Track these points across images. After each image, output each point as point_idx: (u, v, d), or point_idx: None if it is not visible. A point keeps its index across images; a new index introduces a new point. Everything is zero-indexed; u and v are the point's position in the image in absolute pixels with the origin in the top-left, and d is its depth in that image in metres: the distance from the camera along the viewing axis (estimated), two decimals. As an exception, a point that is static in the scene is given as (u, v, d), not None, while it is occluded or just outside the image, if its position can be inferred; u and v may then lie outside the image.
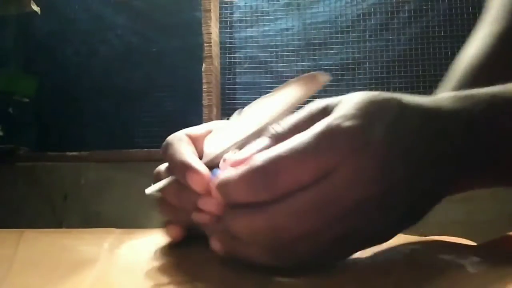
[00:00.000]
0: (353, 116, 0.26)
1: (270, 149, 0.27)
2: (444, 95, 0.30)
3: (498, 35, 0.47)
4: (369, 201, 0.25)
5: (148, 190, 0.32)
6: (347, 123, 0.25)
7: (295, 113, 0.29)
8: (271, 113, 0.33)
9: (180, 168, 0.31)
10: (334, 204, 0.25)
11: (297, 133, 0.27)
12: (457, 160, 0.28)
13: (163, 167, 0.35)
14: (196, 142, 0.35)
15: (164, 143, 0.35)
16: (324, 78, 0.33)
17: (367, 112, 0.26)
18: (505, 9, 0.48)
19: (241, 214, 0.27)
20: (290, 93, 0.34)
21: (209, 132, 0.35)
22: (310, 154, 0.25)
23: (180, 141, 0.34)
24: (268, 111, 0.33)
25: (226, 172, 0.28)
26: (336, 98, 0.28)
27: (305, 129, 0.27)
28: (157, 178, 0.34)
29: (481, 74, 0.47)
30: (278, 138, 0.28)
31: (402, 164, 0.26)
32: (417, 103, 0.28)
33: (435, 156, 0.27)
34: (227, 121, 0.36)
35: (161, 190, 0.33)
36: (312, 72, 0.34)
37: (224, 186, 0.27)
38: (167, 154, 0.33)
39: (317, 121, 0.26)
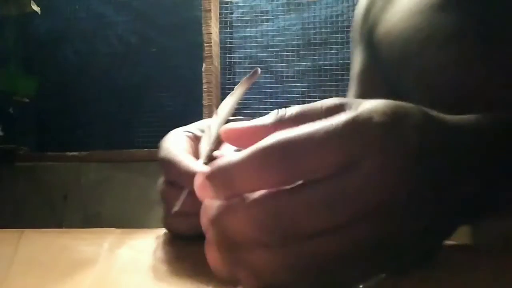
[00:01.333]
0: (384, 113, 0.24)
1: (283, 131, 0.23)
2: (462, 116, 0.30)
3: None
4: (392, 204, 0.23)
5: (174, 210, 0.32)
6: (380, 118, 0.23)
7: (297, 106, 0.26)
8: (225, 110, 0.38)
9: (185, 176, 0.32)
10: (354, 200, 0.22)
11: (305, 123, 0.24)
12: (482, 178, 0.27)
13: (161, 181, 0.37)
14: (195, 142, 0.38)
15: (160, 146, 0.36)
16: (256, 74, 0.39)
17: (396, 113, 0.24)
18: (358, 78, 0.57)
19: (239, 204, 0.23)
20: (239, 90, 0.39)
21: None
22: (336, 140, 0.23)
23: (174, 144, 0.36)
24: (225, 108, 0.38)
25: (224, 158, 0.24)
26: (353, 100, 0.26)
27: (314, 120, 0.24)
28: (163, 195, 0.36)
29: None
30: (283, 124, 0.25)
31: (429, 172, 0.24)
32: (440, 116, 0.27)
33: (462, 170, 0.26)
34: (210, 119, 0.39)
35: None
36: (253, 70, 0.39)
37: (224, 172, 0.23)
38: (163, 163, 0.35)
39: (332, 115, 0.24)
